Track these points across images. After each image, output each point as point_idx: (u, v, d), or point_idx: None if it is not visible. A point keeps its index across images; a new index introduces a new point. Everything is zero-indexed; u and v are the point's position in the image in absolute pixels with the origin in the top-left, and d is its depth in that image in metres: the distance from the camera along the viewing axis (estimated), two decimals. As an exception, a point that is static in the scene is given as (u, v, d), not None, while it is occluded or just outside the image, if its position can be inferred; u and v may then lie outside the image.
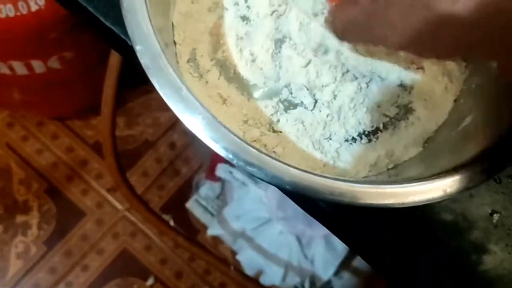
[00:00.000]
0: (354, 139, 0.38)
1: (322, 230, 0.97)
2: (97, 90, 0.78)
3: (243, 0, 0.40)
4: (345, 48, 0.38)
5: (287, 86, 0.38)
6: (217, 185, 1.06)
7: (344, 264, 1.00)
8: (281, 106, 0.38)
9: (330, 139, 0.37)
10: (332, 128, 0.37)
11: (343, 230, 0.40)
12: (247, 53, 0.39)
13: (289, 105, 0.38)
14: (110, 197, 1.06)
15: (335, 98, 0.38)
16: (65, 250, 1.03)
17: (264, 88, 0.39)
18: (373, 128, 0.38)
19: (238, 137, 0.30)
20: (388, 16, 0.27)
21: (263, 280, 1.00)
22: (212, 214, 1.06)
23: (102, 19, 0.41)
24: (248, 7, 0.39)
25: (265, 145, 0.37)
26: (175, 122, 1.08)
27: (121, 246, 1.04)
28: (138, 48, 0.31)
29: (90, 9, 0.41)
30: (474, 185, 0.29)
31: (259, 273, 1.01)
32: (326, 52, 0.38)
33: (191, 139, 1.05)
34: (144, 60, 0.31)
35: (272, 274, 0.99)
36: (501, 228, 0.39)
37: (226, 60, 0.39)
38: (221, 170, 1.01)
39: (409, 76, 0.39)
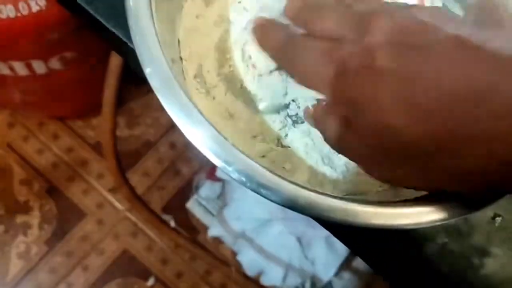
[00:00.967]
0: None
1: (323, 231, 0.97)
2: (98, 90, 0.78)
3: (249, 12, 0.40)
4: None
5: (295, 100, 0.38)
6: (217, 186, 1.06)
7: (345, 265, 1.00)
8: (289, 120, 0.38)
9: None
10: None
11: (344, 232, 0.40)
12: (253, 67, 0.38)
13: (297, 119, 0.38)
14: (110, 198, 1.06)
15: None
16: (66, 250, 1.03)
17: (271, 102, 0.39)
18: None
19: (253, 161, 0.29)
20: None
21: (264, 280, 1.01)
22: (212, 215, 1.06)
23: (103, 21, 0.40)
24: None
25: (273, 161, 0.36)
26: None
27: (122, 247, 1.04)
28: (147, 71, 0.31)
29: (91, 11, 0.41)
30: (489, 203, 0.29)
31: (260, 273, 1.01)
32: None
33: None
34: (154, 83, 0.31)
35: (272, 274, 1.00)
36: (504, 231, 0.39)
37: (233, 75, 0.39)
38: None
39: None
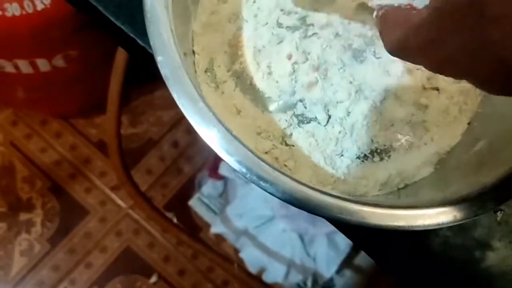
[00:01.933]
0: (366, 156, 0.38)
1: (325, 228, 0.97)
2: (101, 88, 0.78)
3: (265, 13, 0.40)
4: (362, 66, 0.39)
5: (302, 100, 0.39)
6: (220, 184, 1.06)
7: (347, 262, 1.01)
8: (295, 120, 0.39)
9: (342, 155, 0.38)
10: (344, 144, 0.38)
11: (348, 227, 0.41)
12: (264, 66, 0.39)
13: (303, 120, 0.39)
14: (113, 195, 1.07)
15: (348, 115, 0.38)
16: (69, 248, 1.03)
17: (279, 101, 0.39)
18: (386, 147, 0.38)
19: (252, 152, 0.30)
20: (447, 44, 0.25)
21: (266, 277, 1.01)
22: (215, 212, 1.07)
23: (112, 18, 0.41)
24: (267, 23, 0.40)
25: (276, 158, 0.37)
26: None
27: (125, 244, 1.05)
28: (159, 59, 0.31)
29: (100, 8, 0.41)
30: (484, 212, 0.30)
31: (262, 270, 1.02)
32: (343, 69, 0.38)
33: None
34: (164, 70, 0.31)
35: (274, 271, 1.00)
36: (505, 226, 0.40)
37: (243, 72, 0.39)
38: (224, 169, 1.02)
39: (424, 95, 0.39)
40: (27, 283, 1.01)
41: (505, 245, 0.39)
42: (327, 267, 0.99)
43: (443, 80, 0.39)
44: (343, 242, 0.98)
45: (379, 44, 0.41)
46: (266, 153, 0.37)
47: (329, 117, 0.39)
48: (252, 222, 0.99)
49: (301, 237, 0.98)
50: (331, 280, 1.01)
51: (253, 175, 0.29)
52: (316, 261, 1.00)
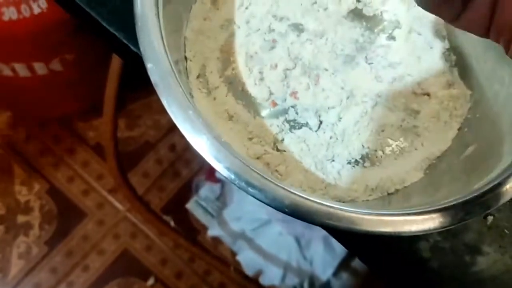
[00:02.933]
0: (357, 161, 0.38)
1: (321, 232, 0.98)
2: (98, 90, 0.79)
3: (257, 19, 0.41)
4: (354, 72, 0.39)
5: (293, 106, 0.39)
6: (217, 187, 1.07)
7: (343, 265, 1.01)
8: (287, 125, 0.39)
9: (333, 160, 0.38)
10: (335, 150, 0.38)
11: (340, 233, 0.41)
12: (256, 72, 0.39)
13: (295, 125, 0.39)
14: (111, 198, 1.07)
15: (339, 120, 0.38)
16: (66, 251, 1.04)
17: (270, 107, 0.39)
18: (377, 152, 0.39)
19: (241, 159, 0.30)
20: None
21: (263, 280, 1.01)
22: (212, 215, 1.07)
23: (105, 25, 0.41)
24: (259, 29, 0.40)
25: (268, 164, 0.37)
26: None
27: (122, 247, 1.05)
28: (149, 66, 0.32)
29: (94, 15, 0.41)
30: (471, 217, 0.30)
31: (259, 273, 1.02)
32: (334, 75, 0.39)
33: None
34: (154, 77, 0.32)
35: (271, 274, 1.00)
36: (495, 230, 0.40)
37: (235, 77, 0.40)
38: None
39: (415, 101, 0.40)
40: (25, 286, 1.01)
41: (494, 250, 0.39)
42: (324, 270, 0.99)
43: (433, 86, 0.40)
44: (339, 245, 0.98)
45: (371, 50, 0.41)
46: (258, 158, 0.37)
47: (321, 122, 0.39)
48: (249, 225, 1.00)
49: (298, 240, 0.99)
50: (327, 282, 1.01)
51: (242, 182, 0.29)
52: (313, 264, 1.00)
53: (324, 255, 0.99)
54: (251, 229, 0.99)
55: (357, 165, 0.38)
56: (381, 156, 0.39)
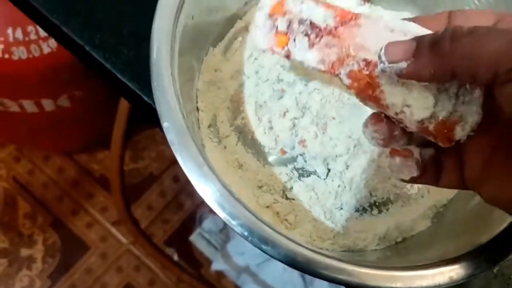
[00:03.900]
0: (365, 209, 0.39)
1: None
2: (105, 126, 0.79)
3: (265, 69, 0.42)
4: (361, 120, 0.40)
5: (302, 154, 0.40)
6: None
7: (347, 299, 1.00)
8: (295, 173, 0.40)
9: (341, 208, 0.39)
10: (343, 198, 0.39)
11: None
12: (265, 121, 0.40)
13: (303, 173, 0.40)
14: (114, 231, 1.07)
15: (347, 169, 0.39)
16: (70, 284, 1.03)
17: (279, 155, 0.40)
18: (384, 200, 0.39)
19: (254, 215, 0.31)
20: None
21: (267, 315, 1.01)
22: (215, 248, 1.07)
23: (119, 75, 0.42)
24: (268, 79, 0.41)
25: (277, 213, 0.38)
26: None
27: (125, 280, 1.05)
28: (165, 125, 0.33)
29: (108, 66, 0.43)
30: (480, 272, 0.31)
31: (263, 308, 1.01)
32: (342, 123, 0.40)
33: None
34: (170, 136, 0.33)
35: (275, 309, 1.00)
36: (501, 278, 0.40)
37: (245, 127, 0.41)
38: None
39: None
40: (27, 320, 1.00)
41: (501, 297, 0.40)
42: (328, 305, 0.99)
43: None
44: (344, 279, 0.98)
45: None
46: (268, 207, 0.38)
47: (329, 170, 0.40)
48: (253, 260, 0.99)
49: (302, 276, 0.98)
50: (332, 317, 1.00)
51: (255, 238, 0.30)
52: (317, 299, 0.99)
53: (328, 290, 0.99)
54: (256, 264, 0.99)
55: (365, 212, 0.39)
56: (389, 204, 0.40)
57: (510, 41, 0.23)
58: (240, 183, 0.39)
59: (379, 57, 0.26)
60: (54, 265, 1.04)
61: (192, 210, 1.10)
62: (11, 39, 0.73)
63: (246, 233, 0.30)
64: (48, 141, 1.04)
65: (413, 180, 0.29)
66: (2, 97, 0.82)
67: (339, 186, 0.39)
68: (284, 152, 0.40)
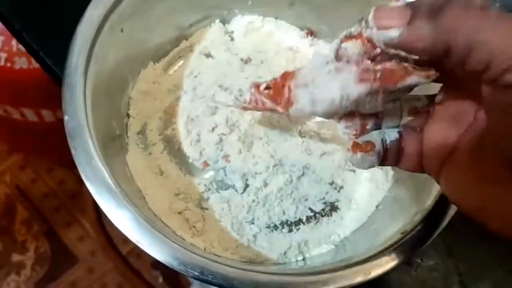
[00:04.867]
0: (276, 226, 0.40)
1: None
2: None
3: (203, 87, 0.43)
4: (286, 143, 0.41)
5: (223, 168, 0.41)
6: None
7: None
8: (214, 185, 0.41)
9: (252, 223, 0.39)
10: (256, 213, 0.40)
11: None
12: (194, 134, 0.42)
13: (222, 186, 0.41)
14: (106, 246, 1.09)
15: (265, 186, 0.40)
16: (54, 294, 1.05)
17: (202, 167, 0.42)
18: (296, 219, 0.40)
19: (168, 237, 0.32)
20: None
21: None
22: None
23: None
24: (203, 96, 0.43)
25: (187, 219, 0.39)
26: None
27: (108, 297, 1.06)
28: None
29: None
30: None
31: None
32: (267, 144, 0.41)
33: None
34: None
35: None
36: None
37: (174, 137, 0.42)
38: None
39: (341, 176, 0.41)
40: (8, 325, 1.02)
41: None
42: None
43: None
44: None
45: (306, 124, 0.43)
46: (179, 213, 0.39)
47: (247, 186, 0.41)
48: None
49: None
50: None
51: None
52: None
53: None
54: None
55: (276, 229, 0.40)
56: (300, 224, 0.40)
57: None
58: (157, 187, 0.40)
59: (366, 22, 0.24)
60: (42, 274, 1.06)
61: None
62: (14, 49, 0.78)
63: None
64: (50, 152, 1.08)
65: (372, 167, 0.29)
66: (5, 103, 0.87)
67: (253, 201, 0.40)
68: (206, 165, 0.41)
